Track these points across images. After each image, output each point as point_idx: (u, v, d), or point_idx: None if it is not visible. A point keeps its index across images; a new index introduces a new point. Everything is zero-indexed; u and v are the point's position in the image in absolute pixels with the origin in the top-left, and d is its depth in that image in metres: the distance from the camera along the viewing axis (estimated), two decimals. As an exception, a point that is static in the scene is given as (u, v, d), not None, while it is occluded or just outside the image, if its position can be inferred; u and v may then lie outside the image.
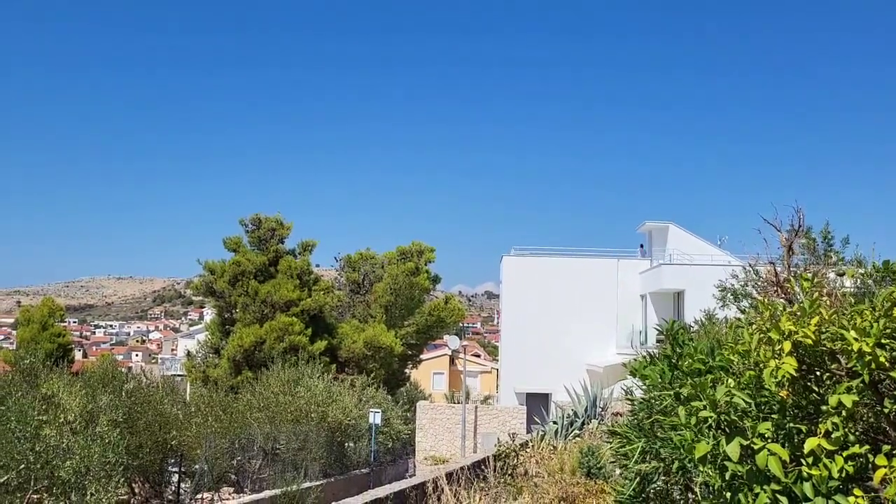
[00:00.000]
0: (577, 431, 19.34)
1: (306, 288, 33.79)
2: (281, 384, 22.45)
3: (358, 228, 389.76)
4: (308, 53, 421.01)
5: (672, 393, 4.22)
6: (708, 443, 3.45)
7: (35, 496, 11.83)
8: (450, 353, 50.60)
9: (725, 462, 3.38)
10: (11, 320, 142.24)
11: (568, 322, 31.38)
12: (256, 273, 33.24)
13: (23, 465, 11.24)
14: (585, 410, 20.93)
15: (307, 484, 17.27)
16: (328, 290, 35.57)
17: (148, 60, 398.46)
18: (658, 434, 4.57)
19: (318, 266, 36.93)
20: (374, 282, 37.12)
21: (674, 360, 4.69)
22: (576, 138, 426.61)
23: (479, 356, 67.49)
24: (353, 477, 22.45)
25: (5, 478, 11.12)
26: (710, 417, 3.52)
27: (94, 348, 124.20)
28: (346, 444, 23.45)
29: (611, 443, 5.53)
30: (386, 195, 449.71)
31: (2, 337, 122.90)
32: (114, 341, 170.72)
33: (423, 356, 42.47)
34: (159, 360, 72.63)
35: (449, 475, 12.95)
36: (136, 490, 18.18)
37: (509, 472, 15.20)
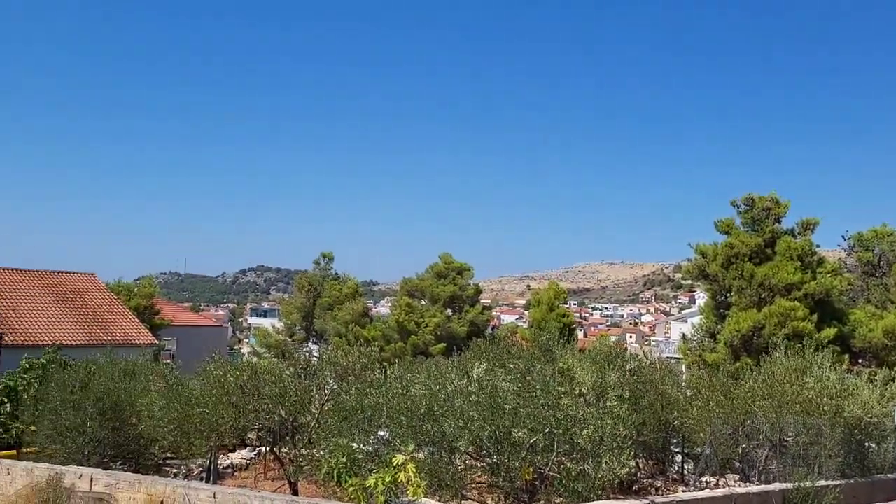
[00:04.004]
0: None
1: (809, 270, 31.10)
2: (785, 372, 20.88)
3: (867, 204, 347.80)
4: None
5: None
6: None
7: (556, 459, 13.02)
8: None
9: None
10: (523, 302, 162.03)
11: None
12: (751, 255, 31.76)
13: (547, 430, 12.43)
14: None
15: (822, 482, 15.73)
16: (835, 272, 32.17)
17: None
18: None
19: (818, 247, 33.56)
20: (893, 262, 32.30)
21: None
22: None
23: None
24: (877, 481, 19.76)
25: (534, 439, 12.44)
26: None
27: (591, 329, 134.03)
28: (867, 445, 20.74)
29: None
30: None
31: (517, 316, 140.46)
32: (609, 323, 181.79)
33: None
34: (652, 343, 74.71)
35: None
36: (640, 465, 18.82)
37: None
